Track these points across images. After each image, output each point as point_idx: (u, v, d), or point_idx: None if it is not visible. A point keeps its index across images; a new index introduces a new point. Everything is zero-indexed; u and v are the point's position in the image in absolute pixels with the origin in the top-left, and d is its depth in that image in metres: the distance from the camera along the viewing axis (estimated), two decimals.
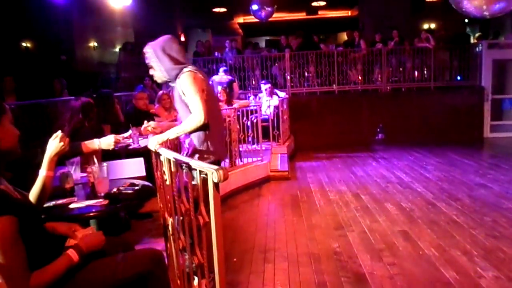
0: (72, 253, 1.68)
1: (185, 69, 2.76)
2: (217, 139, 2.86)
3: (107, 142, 2.39)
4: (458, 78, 10.33)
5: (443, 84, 10.24)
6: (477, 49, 10.13)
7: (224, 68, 8.89)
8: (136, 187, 2.27)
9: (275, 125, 7.51)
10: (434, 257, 3.58)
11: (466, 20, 12.80)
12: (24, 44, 10.59)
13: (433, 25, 14.01)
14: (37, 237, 1.59)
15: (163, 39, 2.82)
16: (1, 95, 6.18)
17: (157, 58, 2.75)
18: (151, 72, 2.84)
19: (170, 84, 2.89)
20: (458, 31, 11.67)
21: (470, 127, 9.82)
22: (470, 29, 13.82)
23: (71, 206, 2.12)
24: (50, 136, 2.05)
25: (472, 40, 11.56)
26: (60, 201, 2.17)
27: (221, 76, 8.42)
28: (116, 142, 2.40)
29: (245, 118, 6.43)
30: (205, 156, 2.78)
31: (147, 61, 2.81)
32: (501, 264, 3.44)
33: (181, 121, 2.87)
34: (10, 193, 1.58)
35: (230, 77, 8.65)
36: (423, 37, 10.33)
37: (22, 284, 1.49)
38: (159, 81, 2.88)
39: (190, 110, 2.69)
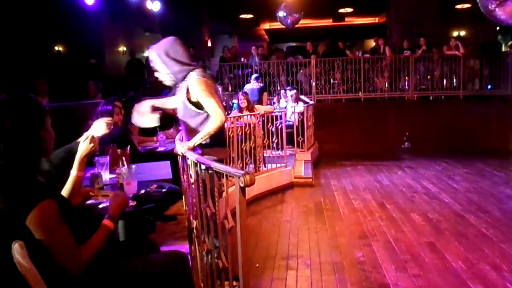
0: (108, 222, 1.78)
1: (193, 73, 2.74)
2: (221, 140, 2.91)
3: (98, 127, 2.29)
4: (489, 87, 10.08)
5: (472, 93, 10.01)
6: (509, 58, 9.86)
7: (256, 75, 9.01)
8: (164, 190, 2.31)
9: (300, 131, 7.49)
10: (462, 270, 3.49)
11: (498, 28, 12.47)
12: (56, 48, 10.94)
13: (463, 33, 13.73)
14: (70, 228, 1.64)
15: (167, 42, 2.79)
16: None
17: (162, 62, 2.74)
18: (156, 74, 2.83)
19: (176, 86, 2.89)
20: (489, 39, 11.39)
21: (500, 138, 9.53)
22: (501, 37, 13.46)
23: (101, 206, 2.17)
24: (79, 138, 2.11)
25: (503, 49, 11.27)
26: (90, 201, 2.22)
27: (253, 84, 8.57)
28: (108, 125, 2.31)
29: (269, 124, 6.44)
30: (210, 154, 2.78)
31: (151, 64, 2.80)
32: None
33: (185, 122, 2.88)
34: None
35: (261, 84, 8.81)
36: (453, 44, 10.13)
37: (76, 257, 1.57)
38: (166, 83, 2.85)
39: (209, 112, 2.70)
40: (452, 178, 6.84)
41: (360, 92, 10.09)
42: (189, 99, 2.73)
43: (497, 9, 4.84)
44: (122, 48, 12.60)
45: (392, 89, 10.12)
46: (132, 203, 2.12)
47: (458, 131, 9.52)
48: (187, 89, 2.72)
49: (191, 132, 2.80)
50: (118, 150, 2.91)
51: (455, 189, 6.18)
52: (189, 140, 2.79)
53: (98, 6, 8.79)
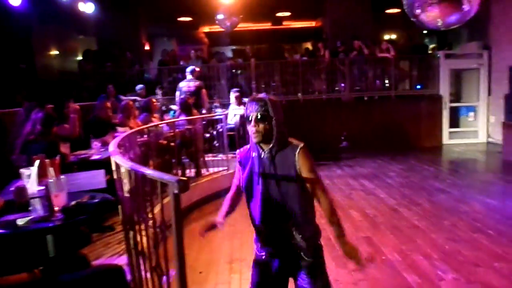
0: None
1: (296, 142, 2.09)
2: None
3: None
4: (418, 87, 10.69)
5: (403, 93, 10.58)
6: (435, 59, 10.55)
7: (191, 68, 8.09)
8: (96, 200, 2.21)
9: (242, 134, 7.50)
10: (397, 262, 3.67)
11: (425, 31, 13.29)
12: None
13: (394, 36, 14.48)
14: None
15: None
16: None
17: (274, 114, 2.05)
18: (253, 125, 2.01)
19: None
20: (418, 41, 12.10)
21: (429, 134, 10.17)
22: (428, 40, 14.36)
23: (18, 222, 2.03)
24: (5, 147, 1.97)
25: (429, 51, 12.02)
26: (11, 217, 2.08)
27: (188, 83, 7.77)
28: None
29: (210, 128, 6.41)
30: None
31: (257, 112, 2.00)
32: (460, 266, 3.57)
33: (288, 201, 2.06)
34: None
35: (197, 83, 7.83)
36: (384, 47, 10.65)
37: None
38: (256, 139, 2.02)
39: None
40: (387, 174, 7.19)
41: (299, 94, 10.31)
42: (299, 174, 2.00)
43: (421, 14, 5.12)
44: (54, 52, 11.97)
45: (329, 91, 10.44)
46: (60, 216, 2.01)
47: (391, 129, 10.02)
48: (295, 161, 2.00)
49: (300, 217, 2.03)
50: (47, 161, 2.75)
51: (390, 184, 6.50)
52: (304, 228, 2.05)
53: (25, 6, 8.26)
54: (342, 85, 10.49)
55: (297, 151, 2.01)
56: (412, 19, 5.25)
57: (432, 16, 4.97)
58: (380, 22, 13.03)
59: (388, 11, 13.16)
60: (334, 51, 10.78)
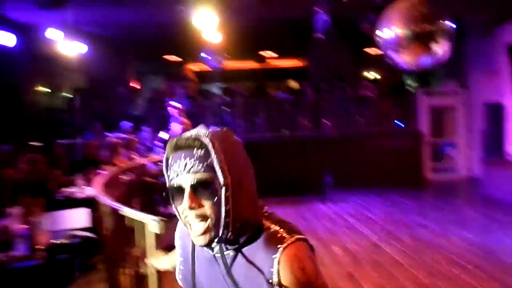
0: None
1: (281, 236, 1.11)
2: None
3: None
4: (399, 124, 10.99)
5: (385, 129, 10.86)
6: (415, 97, 10.93)
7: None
8: (78, 239, 2.27)
9: None
10: None
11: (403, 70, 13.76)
12: None
13: (375, 75, 14.97)
14: None
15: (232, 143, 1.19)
16: None
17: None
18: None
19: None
20: (397, 79, 12.53)
21: (411, 170, 10.35)
22: (409, 77, 14.84)
23: None
24: None
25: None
26: None
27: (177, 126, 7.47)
28: None
29: None
30: None
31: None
32: None
33: None
34: None
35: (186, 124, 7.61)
36: (366, 86, 11.02)
37: None
38: (200, 241, 1.11)
39: None
40: (370, 210, 7.30)
41: (284, 131, 10.52)
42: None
43: (395, 56, 5.39)
44: (42, 88, 12.10)
45: (313, 128, 10.68)
46: (42, 255, 2.07)
47: (375, 166, 10.17)
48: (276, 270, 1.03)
49: None
50: (33, 200, 2.81)
51: (372, 220, 6.60)
52: None
53: (19, 47, 8.44)
54: (326, 122, 10.75)
55: (277, 257, 1.02)
56: (387, 60, 5.54)
57: (405, 58, 5.26)
58: (362, 61, 13.49)
59: (369, 50, 13.68)
60: (318, 89, 11.12)
